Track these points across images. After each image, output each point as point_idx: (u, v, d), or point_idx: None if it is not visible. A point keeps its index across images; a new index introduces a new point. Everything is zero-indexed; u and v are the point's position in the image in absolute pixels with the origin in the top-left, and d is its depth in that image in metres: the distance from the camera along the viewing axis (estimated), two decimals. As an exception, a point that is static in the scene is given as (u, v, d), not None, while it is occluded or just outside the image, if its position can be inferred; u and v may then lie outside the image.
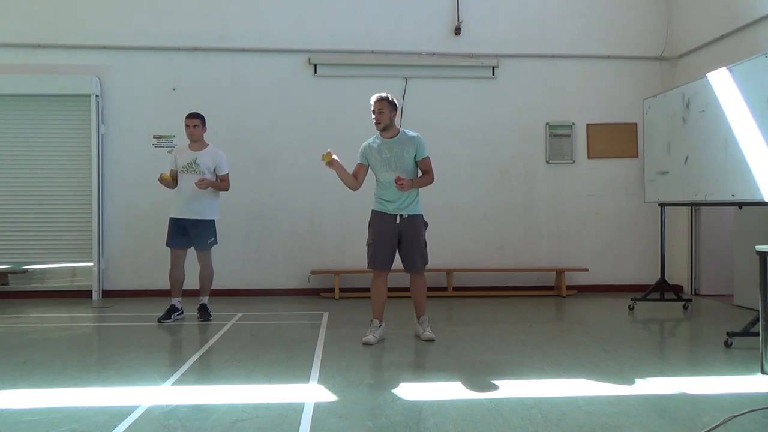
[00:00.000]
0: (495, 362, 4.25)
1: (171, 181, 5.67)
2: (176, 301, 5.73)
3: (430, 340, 4.90)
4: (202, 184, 5.51)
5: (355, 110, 7.69)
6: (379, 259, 4.88)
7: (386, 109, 4.85)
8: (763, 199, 4.86)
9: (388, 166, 4.83)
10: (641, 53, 7.92)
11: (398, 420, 3.06)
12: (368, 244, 4.98)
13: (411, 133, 4.95)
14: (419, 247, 4.91)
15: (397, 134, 4.91)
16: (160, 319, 5.61)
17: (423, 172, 4.98)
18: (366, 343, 4.76)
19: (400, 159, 4.83)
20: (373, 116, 4.87)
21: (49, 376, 3.91)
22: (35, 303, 7.02)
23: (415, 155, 4.89)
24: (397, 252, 4.97)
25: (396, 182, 4.67)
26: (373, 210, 5.00)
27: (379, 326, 4.95)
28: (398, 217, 4.85)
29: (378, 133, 4.96)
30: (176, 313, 5.71)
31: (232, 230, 7.25)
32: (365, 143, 5.03)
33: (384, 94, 4.93)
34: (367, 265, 5.01)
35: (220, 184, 5.74)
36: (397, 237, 4.87)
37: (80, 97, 7.35)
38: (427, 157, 4.94)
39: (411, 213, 4.88)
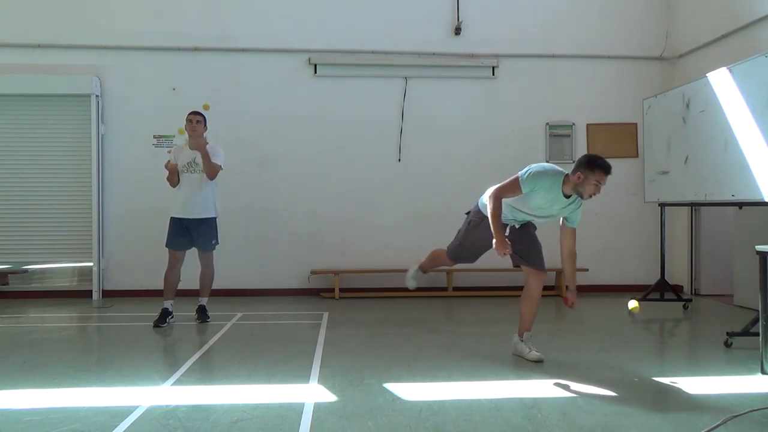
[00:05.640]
0: (495, 362, 4.25)
1: (175, 172, 5.58)
2: (169, 304, 5.63)
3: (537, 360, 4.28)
4: (201, 143, 5.42)
5: (355, 110, 7.71)
6: (460, 256, 4.57)
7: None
8: (763, 199, 4.86)
9: (536, 214, 4.24)
10: (641, 53, 7.92)
11: (398, 420, 3.06)
12: (458, 243, 4.55)
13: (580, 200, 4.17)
14: (537, 247, 4.39)
15: (571, 196, 4.11)
16: (157, 324, 5.50)
17: (569, 249, 4.30)
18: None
19: (549, 215, 4.23)
20: (591, 187, 3.95)
21: (49, 376, 3.91)
22: (35, 303, 7.02)
23: (567, 219, 4.24)
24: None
25: (568, 302, 4.24)
26: (480, 213, 4.37)
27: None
28: (508, 229, 4.29)
29: (560, 180, 4.06)
30: (170, 317, 5.63)
31: (232, 230, 7.24)
32: (542, 177, 4.05)
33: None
34: (447, 252, 4.64)
35: (211, 162, 5.51)
36: (485, 250, 4.42)
37: (80, 97, 7.34)
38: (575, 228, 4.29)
39: (523, 223, 4.41)
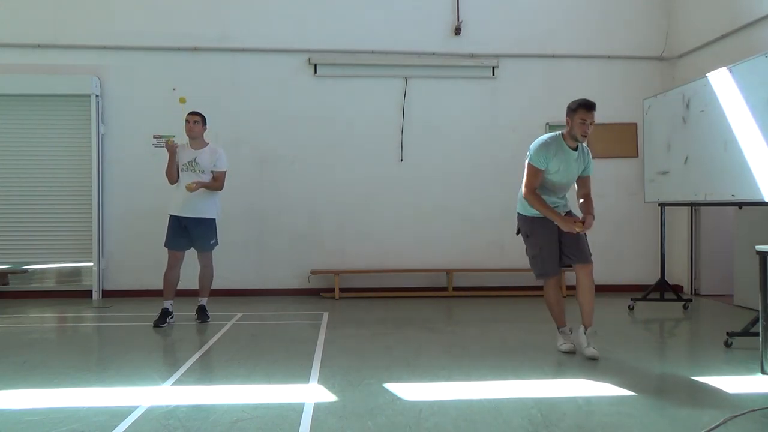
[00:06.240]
0: (495, 362, 4.25)
1: (174, 158, 5.58)
2: (169, 304, 5.63)
3: (593, 357, 4.27)
4: (191, 187, 5.44)
5: (355, 110, 7.71)
6: (550, 267, 4.45)
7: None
8: (763, 199, 4.86)
9: (559, 178, 4.37)
10: (641, 53, 7.92)
11: (398, 420, 3.06)
12: (533, 256, 4.49)
13: (585, 146, 4.48)
14: (583, 238, 4.44)
15: (578, 147, 4.37)
16: (157, 324, 5.49)
17: (584, 192, 4.50)
18: (569, 351, 4.44)
19: (571, 175, 4.41)
20: (579, 126, 4.24)
21: (49, 376, 3.91)
22: (35, 303, 7.01)
23: (583, 171, 4.47)
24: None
25: (585, 225, 4.29)
26: (527, 217, 4.47)
27: (570, 332, 4.57)
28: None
29: (559, 137, 4.36)
30: (170, 317, 5.62)
31: (232, 230, 7.23)
32: (546, 145, 4.31)
33: (594, 102, 4.34)
34: (537, 277, 4.54)
35: (213, 183, 5.61)
36: (557, 236, 4.43)
37: (80, 97, 7.34)
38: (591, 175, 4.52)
39: (566, 210, 4.50)
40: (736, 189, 5.18)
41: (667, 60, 7.91)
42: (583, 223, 4.32)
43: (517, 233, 4.66)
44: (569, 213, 4.49)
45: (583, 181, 4.51)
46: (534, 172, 4.32)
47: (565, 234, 4.38)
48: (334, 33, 7.67)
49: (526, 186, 4.34)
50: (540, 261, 4.47)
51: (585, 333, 4.42)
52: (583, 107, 4.25)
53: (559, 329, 4.60)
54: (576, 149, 4.36)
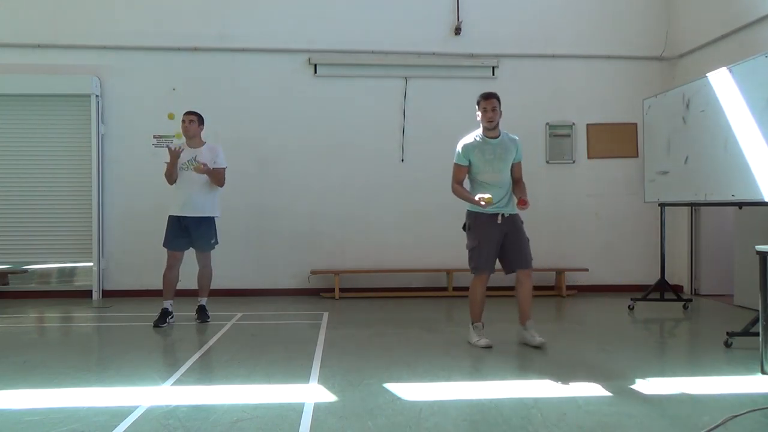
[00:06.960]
0: (495, 362, 4.25)
1: (176, 163, 5.55)
2: (168, 304, 5.62)
3: (541, 345, 4.59)
4: (200, 168, 5.45)
5: (355, 110, 7.71)
6: (486, 262, 4.67)
7: (498, 107, 4.68)
8: (763, 199, 4.86)
9: (491, 167, 4.69)
10: (641, 53, 7.92)
11: (398, 420, 3.06)
12: (471, 248, 4.73)
13: (512, 135, 4.85)
14: (526, 243, 4.72)
15: (500, 135, 4.75)
16: (157, 324, 5.49)
17: (516, 177, 4.82)
18: (487, 346, 4.63)
19: (501, 161, 4.70)
20: (483, 114, 4.68)
21: (49, 376, 3.91)
22: (35, 303, 7.02)
23: (514, 158, 4.79)
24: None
25: (521, 205, 4.63)
26: (471, 212, 4.75)
27: (483, 327, 4.82)
28: (500, 217, 4.65)
29: (480, 132, 4.75)
30: (170, 317, 5.61)
31: (232, 230, 7.23)
32: (464, 144, 4.75)
33: (494, 92, 4.78)
34: (471, 270, 4.75)
35: (217, 174, 5.61)
36: (500, 238, 4.67)
37: (80, 97, 7.35)
38: (521, 161, 4.86)
39: (511, 212, 4.72)
40: (736, 189, 5.18)
41: (667, 60, 7.91)
42: (522, 203, 4.63)
43: (463, 228, 4.86)
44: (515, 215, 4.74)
45: (516, 167, 4.81)
46: (456, 169, 4.80)
47: (508, 240, 4.66)
48: (334, 33, 7.67)
49: (452, 181, 4.80)
50: (477, 254, 4.69)
51: (526, 327, 4.73)
52: (482, 97, 4.72)
53: (473, 324, 4.81)
54: (497, 138, 4.72)
